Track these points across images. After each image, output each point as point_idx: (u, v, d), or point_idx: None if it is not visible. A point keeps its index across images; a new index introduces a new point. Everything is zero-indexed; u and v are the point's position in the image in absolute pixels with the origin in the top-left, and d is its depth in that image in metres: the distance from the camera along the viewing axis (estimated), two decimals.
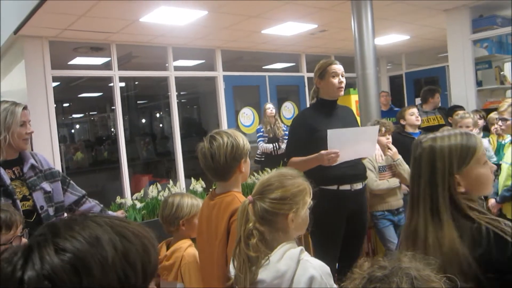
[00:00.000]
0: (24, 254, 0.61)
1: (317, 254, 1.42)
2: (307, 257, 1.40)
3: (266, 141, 5.72)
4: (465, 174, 1.31)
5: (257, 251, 1.38)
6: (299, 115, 2.99)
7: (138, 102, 10.96)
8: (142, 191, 3.42)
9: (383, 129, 3.48)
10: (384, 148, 3.54)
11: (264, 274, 1.37)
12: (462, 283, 1.03)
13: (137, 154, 9.30)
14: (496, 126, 3.95)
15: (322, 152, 2.55)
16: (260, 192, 1.44)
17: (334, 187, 2.73)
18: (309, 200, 1.46)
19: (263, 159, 5.71)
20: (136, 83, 9.23)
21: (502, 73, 5.67)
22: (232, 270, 1.49)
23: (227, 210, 1.71)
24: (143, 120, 11.65)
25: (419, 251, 1.19)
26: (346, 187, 2.76)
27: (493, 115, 4.09)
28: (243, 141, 1.80)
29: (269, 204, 1.41)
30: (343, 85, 2.83)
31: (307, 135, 2.74)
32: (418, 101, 7.61)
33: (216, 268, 1.76)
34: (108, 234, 0.65)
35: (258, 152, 5.84)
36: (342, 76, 2.82)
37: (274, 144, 5.65)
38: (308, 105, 2.91)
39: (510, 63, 5.75)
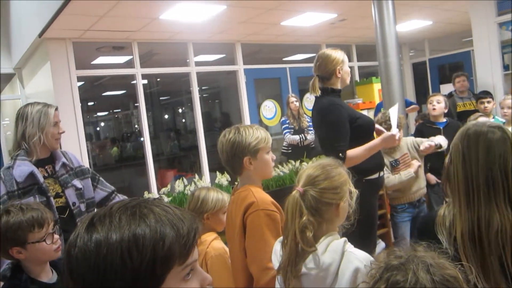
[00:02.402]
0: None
1: (359, 245, 1.42)
2: (351, 248, 1.40)
3: (292, 132, 5.73)
4: None
5: (313, 244, 1.36)
6: (338, 108, 2.67)
7: (161, 98, 11.09)
8: (169, 186, 3.48)
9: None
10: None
11: (309, 267, 1.37)
12: None
13: (161, 150, 9.43)
14: (505, 110, 3.86)
15: (393, 132, 2.52)
16: (310, 183, 1.43)
17: (376, 175, 2.71)
18: (351, 189, 1.47)
19: (290, 151, 5.71)
20: (158, 79, 9.34)
21: None
22: (275, 262, 1.50)
23: (242, 205, 1.73)
24: (166, 116, 11.80)
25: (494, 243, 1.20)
26: (382, 173, 2.77)
27: (505, 99, 3.99)
28: (251, 138, 1.76)
29: (321, 194, 1.41)
30: None
31: (350, 125, 2.65)
32: (443, 87, 7.49)
33: (237, 262, 1.79)
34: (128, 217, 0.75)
35: (284, 144, 5.84)
36: None
37: (300, 136, 5.65)
38: (319, 95, 2.79)
39: None
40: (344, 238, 1.42)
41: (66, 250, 0.75)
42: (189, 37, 5.88)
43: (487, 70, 5.47)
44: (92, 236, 0.73)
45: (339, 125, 2.63)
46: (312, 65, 2.88)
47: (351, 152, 2.55)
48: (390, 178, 3.30)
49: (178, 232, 0.75)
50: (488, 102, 4.60)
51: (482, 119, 3.76)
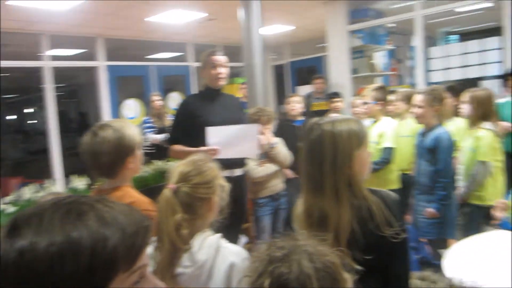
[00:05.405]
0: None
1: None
2: (225, 244, 1.39)
3: (157, 131, 5.52)
4: (358, 156, 1.39)
5: (188, 242, 1.33)
6: (182, 102, 3.07)
7: (5, 96, 9.82)
8: (14, 194, 3.04)
9: (265, 117, 3.39)
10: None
11: (185, 265, 1.32)
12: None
13: (6, 155, 8.34)
14: (357, 109, 4.26)
15: (202, 148, 2.58)
16: (182, 180, 1.38)
17: (226, 173, 2.70)
18: (222, 183, 1.46)
19: (154, 150, 5.48)
20: (1, 74, 8.22)
21: (370, 61, 6.22)
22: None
23: None
24: (11, 116, 10.51)
25: (331, 234, 1.23)
26: (226, 173, 2.75)
27: (355, 99, 4.42)
28: (130, 136, 1.65)
29: (195, 190, 1.37)
30: (223, 75, 2.90)
31: (189, 121, 2.80)
32: (300, 89, 8.02)
33: None
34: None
35: (147, 144, 5.58)
36: (223, 66, 2.88)
37: (165, 135, 5.45)
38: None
39: (379, 52, 6.37)
40: (219, 234, 1.40)
41: None
42: (44, 28, 5.30)
43: (338, 73, 6.00)
44: (15, 243, 0.59)
45: (174, 119, 3.02)
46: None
47: (174, 147, 2.85)
48: (258, 169, 3.41)
49: (123, 232, 0.62)
50: (338, 101, 5.13)
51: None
